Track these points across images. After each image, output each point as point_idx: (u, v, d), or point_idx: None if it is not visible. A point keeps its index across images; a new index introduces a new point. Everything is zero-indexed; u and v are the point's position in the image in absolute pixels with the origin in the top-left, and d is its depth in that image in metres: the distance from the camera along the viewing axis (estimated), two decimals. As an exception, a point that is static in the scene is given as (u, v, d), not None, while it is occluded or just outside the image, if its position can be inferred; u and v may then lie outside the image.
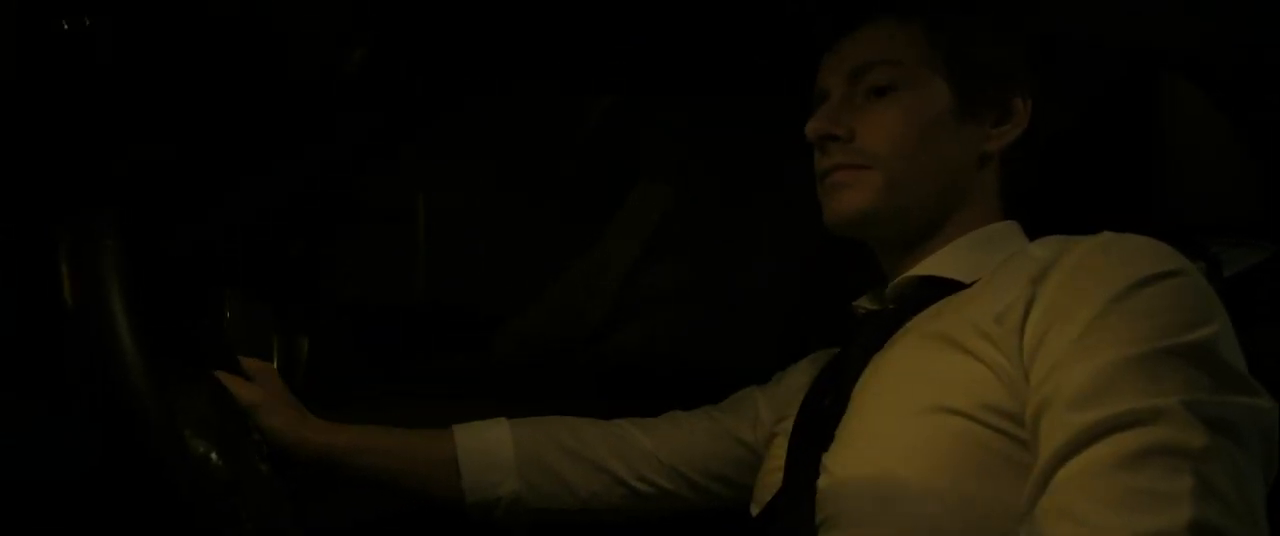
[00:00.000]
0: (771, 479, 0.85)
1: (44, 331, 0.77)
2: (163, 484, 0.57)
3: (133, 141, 0.83)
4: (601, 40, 1.05)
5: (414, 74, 1.04)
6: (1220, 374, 0.60)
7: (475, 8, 0.98)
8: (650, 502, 0.99)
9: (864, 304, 0.91)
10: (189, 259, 0.98)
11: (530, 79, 1.14)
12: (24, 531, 0.68)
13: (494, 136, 1.37)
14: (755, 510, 0.87)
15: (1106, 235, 0.70)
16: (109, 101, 0.77)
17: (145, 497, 0.57)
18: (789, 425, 0.88)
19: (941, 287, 0.81)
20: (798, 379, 0.99)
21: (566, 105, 1.35)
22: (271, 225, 1.07)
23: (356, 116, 1.02)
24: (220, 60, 0.88)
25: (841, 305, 0.93)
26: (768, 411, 1.00)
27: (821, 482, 0.74)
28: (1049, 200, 0.93)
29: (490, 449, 0.96)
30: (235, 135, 0.97)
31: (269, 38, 0.93)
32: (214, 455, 0.67)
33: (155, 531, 0.59)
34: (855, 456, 0.73)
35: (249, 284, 1.01)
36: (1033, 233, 0.83)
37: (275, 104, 0.97)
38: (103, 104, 0.76)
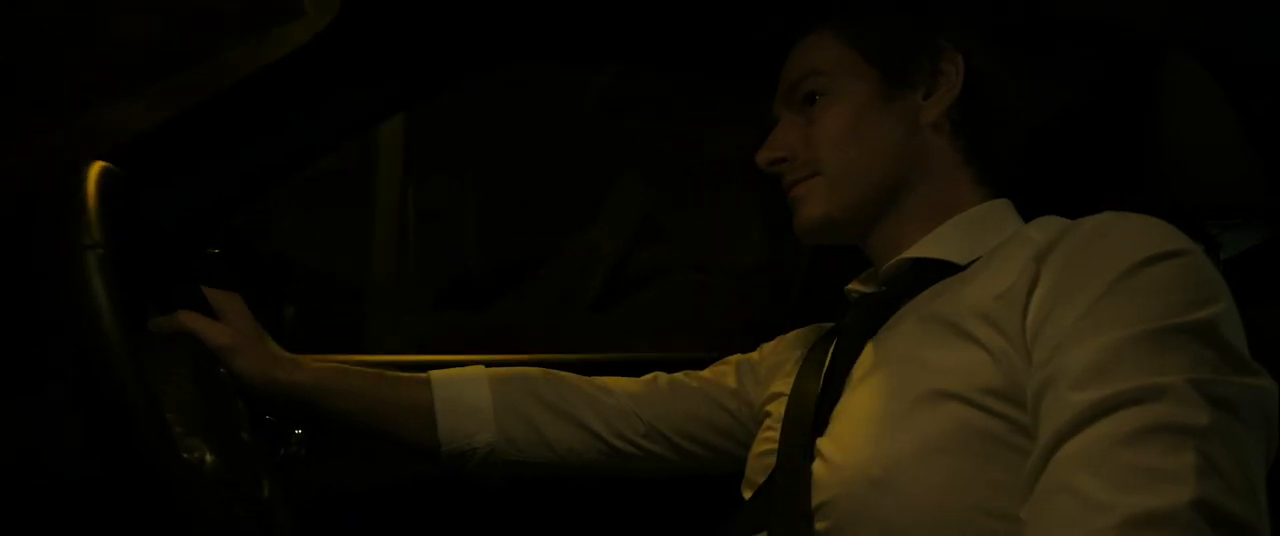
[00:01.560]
0: (764, 461, 0.84)
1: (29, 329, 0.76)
2: (161, 499, 0.56)
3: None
4: (592, 15, 1.04)
5: (399, 53, 1.03)
6: (1224, 353, 0.60)
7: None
8: (627, 462, 0.98)
9: (857, 287, 0.90)
10: (174, 228, 0.96)
11: (518, 59, 1.13)
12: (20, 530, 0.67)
13: (482, 122, 1.36)
14: (748, 492, 0.86)
15: (1109, 215, 0.69)
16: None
17: (139, 502, 0.57)
18: (779, 405, 0.87)
19: (935, 269, 0.80)
20: (785, 355, 0.98)
21: (556, 90, 1.35)
22: (257, 197, 1.05)
23: (341, 92, 1.01)
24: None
25: (829, 286, 0.93)
26: (752, 383, 1.00)
27: (816, 467, 0.73)
28: (1047, 180, 0.93)
29: (467, 397, 0.94)
30: (222, 107, 0.95)
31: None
32: (208, 458, 0.66)
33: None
34: (852, 443, 0.72)
35: (233, 254, 0.99)
36: (1030, 212, 0.82)
37: (260, 78, 0.96)
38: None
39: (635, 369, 1.03)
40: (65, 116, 0.91)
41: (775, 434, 0.84)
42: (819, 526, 0.71)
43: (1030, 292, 0.67)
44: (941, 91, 0.83)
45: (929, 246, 0.82)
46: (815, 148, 0.85)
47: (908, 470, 0.67)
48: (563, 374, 1.00)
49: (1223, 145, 0.85)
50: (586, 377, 1.00)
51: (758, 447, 0.89)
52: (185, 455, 0.63)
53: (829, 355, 0.84)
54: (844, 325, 0.87)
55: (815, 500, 0.72)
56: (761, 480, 0.82)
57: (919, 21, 0.85)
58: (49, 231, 0.59)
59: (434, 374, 0.96)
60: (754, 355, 1.03)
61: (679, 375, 1.02)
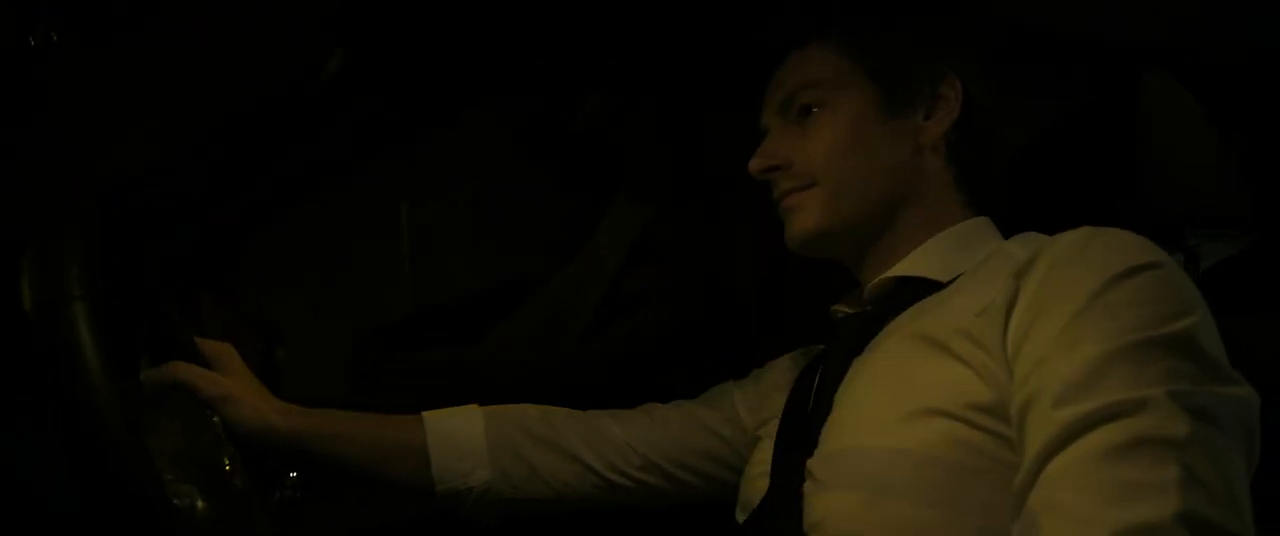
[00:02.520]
0: (757, 484, 0.84)
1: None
2: None
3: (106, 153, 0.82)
4: (585, 41, 1.05)
5: (395, 80, 1.04)
6: (1202, 364, 0.60)
7: (456, 12, 0.98)
8: (624, 494, 0.98)
9: (842, 307, 0.91)
10: (163, 264, 0.96)
11: (514, 82, 1.13)
12: None
13: (478, 144, 1.37)
14: (741, 515, 0.87)
15: (1086, 230, 0.70)
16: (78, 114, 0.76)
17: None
18: (772, 428, 0.87)
19: (918, 288, 0.81)
20: (776, 379, 0.98)
21: (550, 110, 1.35)
22: (248, 231, 1.06)
23: (336, 122, 1.02)
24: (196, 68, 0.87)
25: (819, 306, 0.93)
26: (745, 409, 1.00)
27: (807, 488, 0.74)
28: (1028, 196, 0.93)
29: (461, 436, 0.94)
30: (212, 141, 0.96)
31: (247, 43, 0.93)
32: (200, 502, 0.66)
33: None
34: (841, 462, 0.72)
35: (224, 289, 1.00)
36: (1011, 228, 0.83)
37: (254, 110, 0.96)
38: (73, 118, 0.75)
39: (628, 395, 1.03)
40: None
41: (768, 457, 0.84)
42: None
43: (1010, 310, 0.68)
44: (941, 114, 0.84)
45: (912, 264, 0.83)
46: (812, 158, 0.85)
47: (897, 488, 0.67)
48: (556, 409, 1.00)
49: (1203, 158, 0.86)
50: (579, 412, 1.00)
51: (751, 471, 0.90)
52: (176, 501, 0.63)
53: (817, 376, 0.85)
54: (830, 346, 0.88)
55: (807, 521, 0.72)
56: (755, 503, 0.83)
57: (920, 42, 0.86)
58: (34, 283, 0.59)
59: (427, 414, 0.96)
60: (746, 381, 1.03)
61: (672, 405, 1.02)
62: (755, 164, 0.88)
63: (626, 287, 1.41)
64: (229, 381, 0.86)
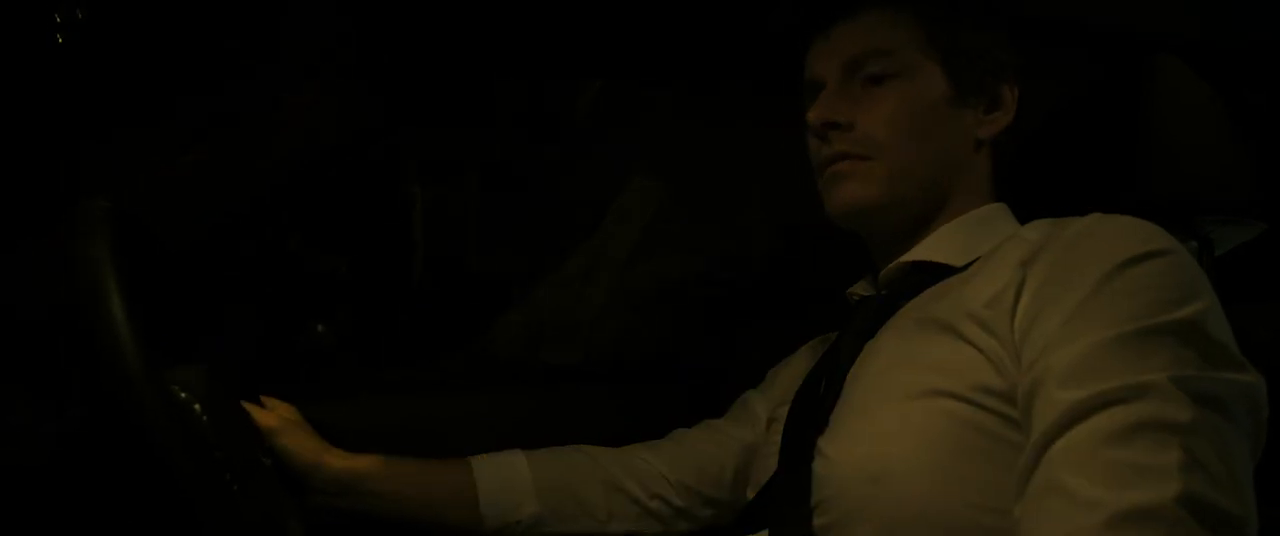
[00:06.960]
0: (768, 463, 0.85)
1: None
2: (141, 426, 0.55)
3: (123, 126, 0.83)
4: (592, 25, 1.05)
5: (405, 62, 1.04)
6: (1207, 349, 0.61)
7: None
8: (669, 522, 0.98)
9: (857, 291, 0.91)
10: (190, 254, 0.97)
11: (522, 65, 1.14)
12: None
13: (492, 127, 1.37)
14: (751, 494, 0.87)
15: (1094, 216, 0.70)
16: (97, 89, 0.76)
17: (127, 452, 0.55)
18: (786, 411, 0.88)
19: (933, 272, 0.82)
20: (793, 369, 0.99)
21: (560, 93, 1.35)
22: (271, 213, 1.06)
23: (352, 103, 1.02)
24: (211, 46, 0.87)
25: (835, 293, 0.94)
26: (765, 408, 1.00)
27: (817, 466, 0.75)
28: (1042, 182, 0.94)
29: (507, 474, 0.95)
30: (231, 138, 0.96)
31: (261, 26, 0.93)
32: (197, 406, 0.65)
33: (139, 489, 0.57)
34: (850, 440, 0.73)
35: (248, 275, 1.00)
36: (1025, 214, 0.83)
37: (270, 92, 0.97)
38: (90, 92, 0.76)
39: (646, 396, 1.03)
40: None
41: (779, 437, 0.85)
42: (818, 522, 0.72)
43: (1018, 296, 0.68)
44: (999, 115, 0.84)
45: (928, 249, 0.83)
46: (875, 128, 0.82)
47: (903, 466, 0.68)
48: (593, 447, 1.01)
49: (1213, 143, 0.85)
50: (615, 448, 1.01)
51: (763, 450, 0.91)
52: (173, 396, 0.62)
53: (830, 359, 0.85)
54: (844, 329, 0.88)
55: (815, 497, 0.74)
56: (765, 482, 0.84)
57: (992, 35, 0.85)
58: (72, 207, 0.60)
59: (472, 457, 0.97)
60: (764, 381, 1.04)
61: (699, 427, 1.03)
62: (818, 114, 0.83)
63: (639, 277, 1.41)
64: (284, 418, 0.88)
